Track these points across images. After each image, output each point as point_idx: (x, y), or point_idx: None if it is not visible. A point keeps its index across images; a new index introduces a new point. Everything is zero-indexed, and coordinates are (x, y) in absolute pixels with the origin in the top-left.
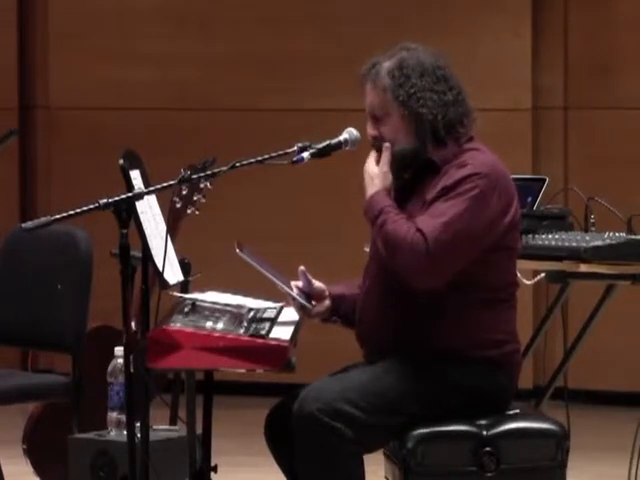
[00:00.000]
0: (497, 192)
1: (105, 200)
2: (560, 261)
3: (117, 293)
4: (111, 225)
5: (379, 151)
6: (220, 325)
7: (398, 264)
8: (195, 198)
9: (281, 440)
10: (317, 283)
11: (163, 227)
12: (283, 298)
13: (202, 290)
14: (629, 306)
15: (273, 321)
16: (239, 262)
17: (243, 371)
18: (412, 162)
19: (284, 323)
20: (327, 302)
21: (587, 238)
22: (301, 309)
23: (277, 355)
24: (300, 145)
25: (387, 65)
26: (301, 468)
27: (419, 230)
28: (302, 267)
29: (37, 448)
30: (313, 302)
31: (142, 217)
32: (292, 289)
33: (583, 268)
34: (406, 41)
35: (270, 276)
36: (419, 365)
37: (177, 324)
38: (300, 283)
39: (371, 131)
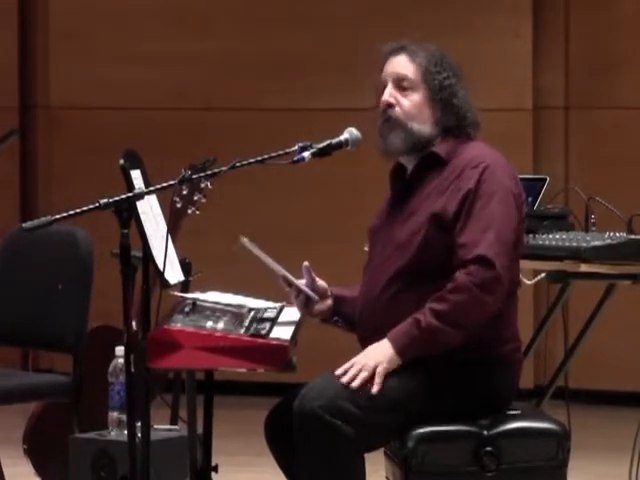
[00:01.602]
0: (512, 183)
1: (106, 200)
2: (561, 261)
3: (118, 293)
4: (112, 225)
5: (384, 116)
6: (221, 325)
7: (489, 308)
8: (196, 198)
9: (281, 440)
10: (320, 281)
11: (164, 227)
12: (283, 298)
13: (203, 290)
14: (629, 306)
15: (274, 321)
16: (239, 262)
17: (244, 371)
18: (420, 147)
19: (284, 323)
20: (329, 301)
21: (587, 238)
22: (305, 304)
23: (278, 355)
24: (301, 145)
25: (424, 51)
26: (301, 465)
27: (475, 259)
28: (306, 263)
29: (38, 448)
30: (317, 297)
31: (143, 217)
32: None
33: (583, 268)
34: (407, 41)
35: (275, 267)
36: (420, 364)
37: (178, 324)
38: (304, 280)
39: (388, 98)
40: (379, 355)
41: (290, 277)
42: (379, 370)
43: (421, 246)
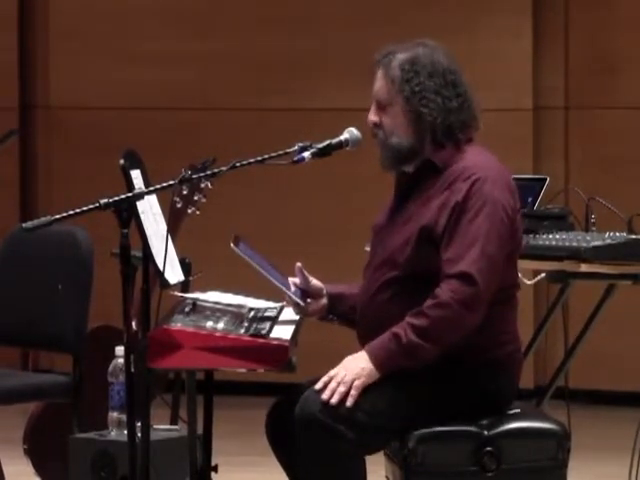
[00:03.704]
0: (503, 195)
1: (106, 200)
2: (561, 261)
3: (117, 293)
4: (112, 225)
5: (376, 137)
6: (221, 325)
7: (469, 324)
8: (196, 198)
9: (282, 437)
10: (314, 281)
11: (164, 227)
12: (284, 298)
13: (203, 290)
14: (629, 306)
15: (274, 321)
16: (239, 262)
17: (244, 371)
18: (408, 157)
19: (285, 323)
20: (324, 300)
21: (588, 238)
22: (297, 305)
23: (278, 355)
24: (301, 145)
25: (400, 57)
26: (303, 469)
27: (457, 275)
28: (299, 264)
29: (37, 448)
30: (308, 300)
31: (143, 217)
32: (289, 285)
33: (584, 268)
34: (407, 41)
35: (264, 272)
36: (421, 367)
37: (178, 324)
38: (297, 280)
39: (372, 117)
40: (357, 368)
41: (277, 283)
42: (356, 384)
43: (411, 257)
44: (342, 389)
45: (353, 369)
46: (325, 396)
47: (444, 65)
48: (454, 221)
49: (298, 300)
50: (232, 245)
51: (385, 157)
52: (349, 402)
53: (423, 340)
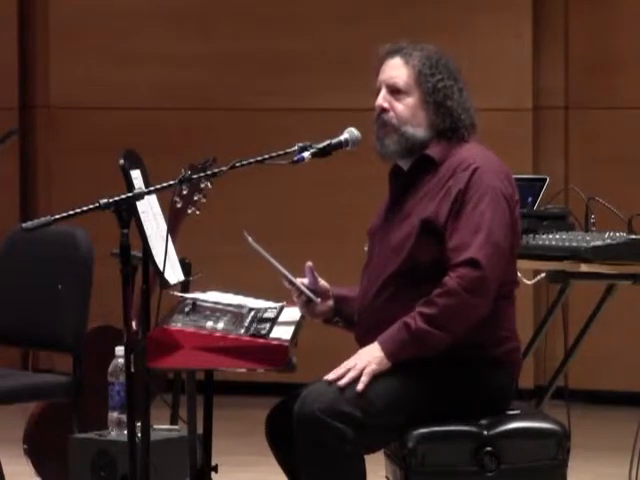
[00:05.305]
0: (503, 184)
1: (105, 200)
2: (561, 261)
3: (117, 293)
4: (111, 225)
5: (379, 121)
6: (221, 325)
7: (478, 311)
8: (195, 198)
9: (282, 439)
10: (322, 282)
11: (164, 227)
12: (283, 298)
13: (203, 290)
14: (629, 306)
15: (274, 321)
16: (239, 262)
17: (244, 371)
18: (416, 150)
19: (285, 323)
20: (330, 302)
21: (587, 238)
22: (306, 304)
23: (278, 355)
24: (300, 145)
25: (418, 53)
26: (302, 468)
27: (464, 262)
28: (309, 263)
29: (38, 448)
30: (318, 299)
31: (143, 217)
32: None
33: (584, 268)
34: (407, 40)
35: (277, 265)
36: (420, 365)
37: (178, 324)
38: (306, 280)
39: (382, 102)
40: (369, 357)
41: (291, 277)
42: (367, 370)
43: (413, 250)
44: (352, 374)
45: (365, 358)
46: (332, 376)
47: (458, 73)
48: (457, 210)
49: (311, 295)
50: (245, 234)
51: (393, 143)
52: (359, 387)
53: (432, 327)
